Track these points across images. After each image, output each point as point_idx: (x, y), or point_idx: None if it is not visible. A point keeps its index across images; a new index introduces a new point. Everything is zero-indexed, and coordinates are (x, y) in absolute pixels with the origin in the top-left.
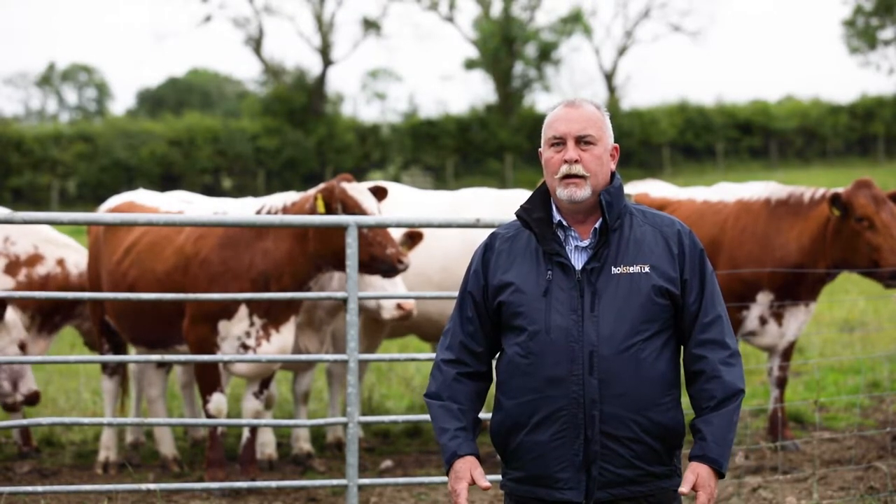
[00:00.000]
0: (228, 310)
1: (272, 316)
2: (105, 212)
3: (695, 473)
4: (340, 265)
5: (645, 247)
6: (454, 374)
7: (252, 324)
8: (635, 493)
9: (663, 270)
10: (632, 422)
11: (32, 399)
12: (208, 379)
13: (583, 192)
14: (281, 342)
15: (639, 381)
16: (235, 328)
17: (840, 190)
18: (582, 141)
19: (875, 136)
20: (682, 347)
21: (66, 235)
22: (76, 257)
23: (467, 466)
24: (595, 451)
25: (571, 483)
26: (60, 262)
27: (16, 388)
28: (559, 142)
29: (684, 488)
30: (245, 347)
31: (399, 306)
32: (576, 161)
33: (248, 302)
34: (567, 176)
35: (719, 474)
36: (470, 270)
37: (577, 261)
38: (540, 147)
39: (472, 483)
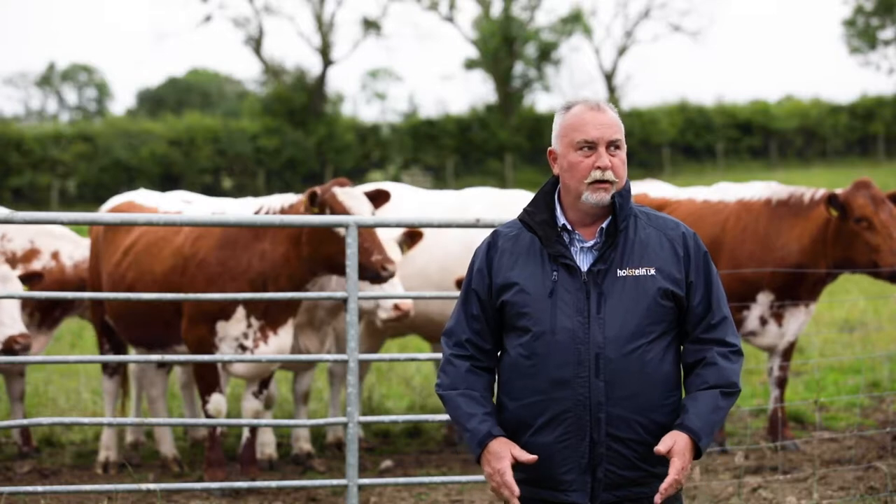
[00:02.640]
0: (226, 311)
1: (269, 317)
2: (105, 212)
3: (673, 438)
4: (332, 270)
5: (650, 249)
6: (468, 366)
7: (249, 325)
8: (639, 494)
9: (668, 273)
10: (637, 423)
11: (8, 345)
12: (207, 379)
13: (609, 196)
14: (278, 344)
15: (644, 383)
16: (233, 329)
17: (838, 191)
18: (612, 146)
19: (875, 136)
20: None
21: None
22: (71, 248)
23: (506, 446)
24: (600, 453)
25: (576, 485)
26: (55, 256)
27: None
28: (589, 146)
29: (661, 447)
30: (243, 348)
31: (396, 307)
32: (608, 168)
33: (246, 303)
34: (599, 181)
35: (697, 450)
36: (473, 268)
37: (583, 262)
38: (552, 147)
39: (515, 462)
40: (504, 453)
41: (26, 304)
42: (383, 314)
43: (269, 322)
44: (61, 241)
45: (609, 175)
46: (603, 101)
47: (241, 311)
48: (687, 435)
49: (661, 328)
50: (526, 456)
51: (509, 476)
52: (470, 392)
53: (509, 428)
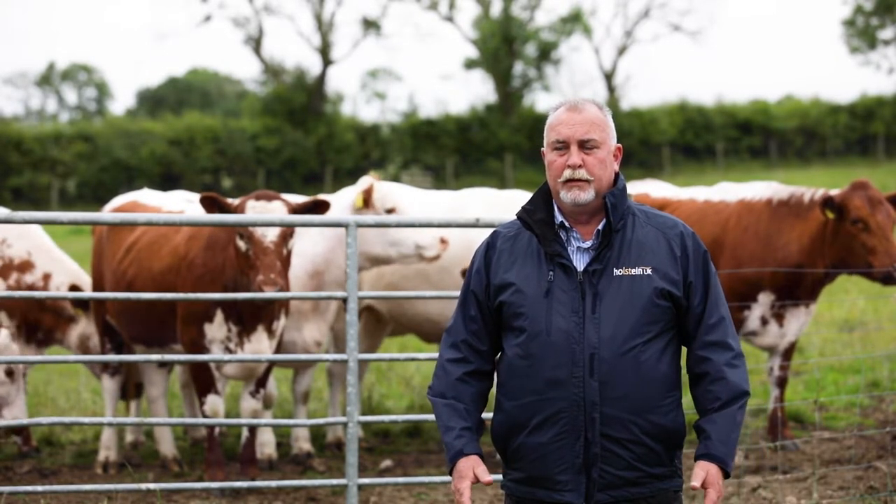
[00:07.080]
0: (209, 314)
1: (244, 324)
2: (109, 211)
3: (704, 470)
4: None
5: (647, 248)
6: (459, 374)
7: (229, 329)
8: (635, 494)
9: (665, 272)
10: (632, 424)
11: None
12: (202, 381)
13: (586, 194)
14: (251, 350)
15: (639, 384)
16: (217, 332)
17: (833, 192)
18: (585, 145)
19: (875, 136)
20: (683, 349)
21: (65, 237)
22: (61, 280)
23: (470, 465)
24: (595, 453)
25: (571, 485)
26: (46, 278)
27: None
28: (562, 146)
29: (696, 482)
30: (229, 351)
31: (442, 240)
32: (579, 166)
33: (223, 308)
34: (570, 180)
35: (725, 474)
36: (472, 269)
37: (579, 262)
38: (542, 147)
39: (476, 481)
40: (467, 473)
41: (13, 312)
42: (431, 252)
43: (244, 328)
44: (56, 266)
45: (581, 173)
46: (586, 101)
47: (220, 316)
48: (716, 464)
49: (658, 328)
50: (487, 478)
51: (466, 497)
52: (454, 403)
53: (505, 428)
